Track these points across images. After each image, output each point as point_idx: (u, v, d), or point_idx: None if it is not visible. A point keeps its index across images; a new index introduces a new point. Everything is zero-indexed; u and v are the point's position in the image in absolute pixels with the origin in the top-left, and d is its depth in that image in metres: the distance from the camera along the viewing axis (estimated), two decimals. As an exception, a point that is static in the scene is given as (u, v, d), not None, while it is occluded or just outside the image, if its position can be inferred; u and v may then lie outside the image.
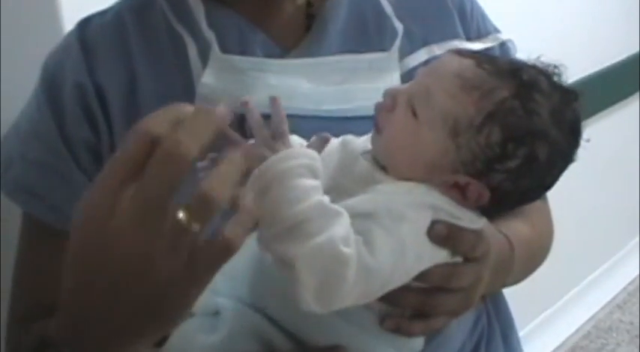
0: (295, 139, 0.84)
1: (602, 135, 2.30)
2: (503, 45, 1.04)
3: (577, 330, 2.93)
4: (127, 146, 0.57)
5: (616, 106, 2.83)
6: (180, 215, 0.56)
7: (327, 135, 0.80)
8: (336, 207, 0.71)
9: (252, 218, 0.60)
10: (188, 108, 0.59)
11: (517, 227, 0.95)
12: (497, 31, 1.05)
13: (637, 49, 2.90)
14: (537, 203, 0.94)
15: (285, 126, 0.82)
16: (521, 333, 1.09)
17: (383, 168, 0.78)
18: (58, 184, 0.95)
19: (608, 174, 2.53)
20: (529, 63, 0.79)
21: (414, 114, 0.76)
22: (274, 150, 0.74)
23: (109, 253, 0.57)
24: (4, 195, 0.97)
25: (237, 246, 0.58)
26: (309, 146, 0.78)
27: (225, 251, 0.58)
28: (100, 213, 0.57)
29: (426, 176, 0.75)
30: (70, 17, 1.12)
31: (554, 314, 2.88)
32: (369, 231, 0.72)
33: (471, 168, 0.74)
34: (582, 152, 0.78)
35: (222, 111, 0.60)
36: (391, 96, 0.78)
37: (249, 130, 0.85)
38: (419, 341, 0.82)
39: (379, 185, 0.76)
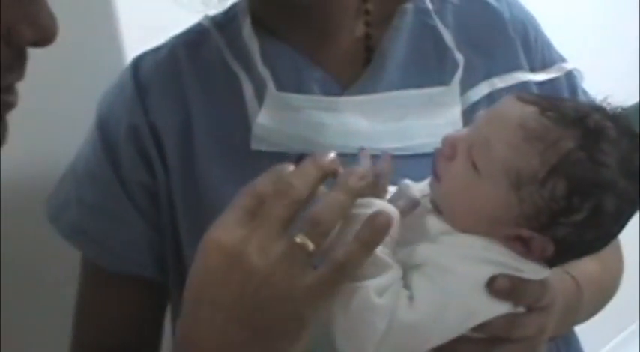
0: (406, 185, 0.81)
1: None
2: (569, 74, 1.00)
3: None
4: (238, 199, 0.67)
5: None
6: (297, 238, 0.64)
7: (418, 199, 0.77)
8: (387, 259, 0.70)
9: (364, 246, 0.65)
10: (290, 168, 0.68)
11: (585, 265, 0.91)
12: (562, 59, 1.01)
13: (637, 99, 2.82)
14: None
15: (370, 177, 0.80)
16: None
17: (439, 213, 0.76)
18: (114, 227, 0.95)
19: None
20: (595, 106, 0.75)
21: (475, 165, 0.73)
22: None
23: (233, 279, 0.63)
24: (62, 238, 0.98)
25: (349, 269, 0.65)
26: (398, 205, 0.75)
27: (338, 273, 0.64)
28: (221, 244, 0.65)
29: (487, 229, 0.72)
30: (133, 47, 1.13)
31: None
32: (414, 282, 0.71)
33: (534, 221, 0.71)
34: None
35: (330, 160, 0.68)
36: (450, 144, 0.75)
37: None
38: None
39: (437, 236, 0.73)
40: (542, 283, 0.75)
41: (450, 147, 0.74)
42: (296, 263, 0.63)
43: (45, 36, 0.64)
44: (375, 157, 0.82)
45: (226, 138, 0.92)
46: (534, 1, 1.08)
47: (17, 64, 0.64)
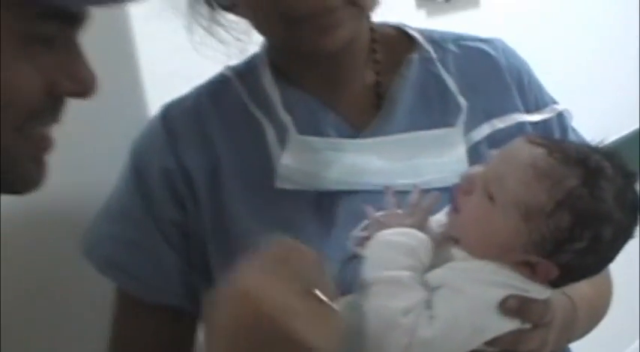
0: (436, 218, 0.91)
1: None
2: (560, 115, 1.09)
3: None
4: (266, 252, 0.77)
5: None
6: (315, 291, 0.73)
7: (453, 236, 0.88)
8: (413, 283, 0.80)
9: None
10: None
11: (579, 287, 1.00)
12: (554, 101, 1.11)
13: (637, 126, 2.94)
14: None
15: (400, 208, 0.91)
16: None
17: (456, 242, 0.85)
18: (148, 261, 1.03)
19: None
20: (594, 147, 0.85)
21: (491, 198, 0.82)
22: (396, 225, 0.85)
23: (257, 325, 0.72)
24: (97, 271, 1.06)
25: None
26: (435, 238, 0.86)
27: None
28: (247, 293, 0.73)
29: (499, 255, 0.82)
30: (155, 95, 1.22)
31: None
32: (433, 303, 0.80)
33: (540, 248, 0.81)
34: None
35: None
36: (468, 180, 0.85)
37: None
38: None
39: (453, 262, 0.83)
40: (545, 302, 0.85)
41: (468, 183, 0.84)
42: (316, 313, 0.73)
43: (85, 90, 0.73)
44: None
45: (251, 178, 1.01)
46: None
47: (56, 112, 0.73)
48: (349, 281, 0.90)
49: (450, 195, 0.90)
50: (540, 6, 2.24)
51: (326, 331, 0.73)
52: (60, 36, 0.71)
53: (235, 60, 1.09)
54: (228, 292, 0.74)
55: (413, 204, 0.89)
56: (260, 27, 0.98)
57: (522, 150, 0.84)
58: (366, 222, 0.89)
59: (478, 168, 0.87)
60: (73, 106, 0.87)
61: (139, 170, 1.04)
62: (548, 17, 2.23)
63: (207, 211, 1.01)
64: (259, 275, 0.74)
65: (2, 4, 0.64)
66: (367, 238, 0.87)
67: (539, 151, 0.83)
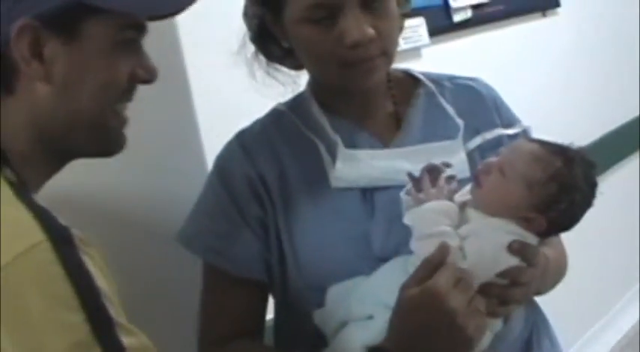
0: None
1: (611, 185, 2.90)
2: (525, 130, 1.48)
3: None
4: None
5: (620, 164, 3.41)
6: None
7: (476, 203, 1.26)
8: (453, 233, 1.19)
9: None
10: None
11: (547, 251, 1.37)
12: (519, 120, 1.51)
13: (637, 113, 3.55)
14: (556, 238, 1.42)
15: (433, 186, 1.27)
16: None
17: (475, 207, 1.24)
18: (237, 246, 1.36)
19: (608, 223, 2.96)
20: (567, 145, 1.25)
21: (504, 176, 1.21)
22: (434, 198, 1.23)
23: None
24: (197, 256, 1.40)
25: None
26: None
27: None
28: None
29: (507, 213, 1.21)
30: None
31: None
32: (465, 246, 1.18)
33: (536, 208, 1.20)
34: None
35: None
36: (488, 164, 1.24)
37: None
38: (499, 323, 1.26)
39: (474, 220, 1.22)
40: (536, 247, 1.23)
41: (488, 166, 1.24)
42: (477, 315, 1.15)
43: (152, 78, 1.07)
44: None
45: (311, 182, 1.36)
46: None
47: (131, 95, 1.06)
48: (393, 249, 1.28)
49: (463, 183, 1.29)
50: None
51: (479, 329, 1.14)
52: (135, 40, 1.05)
53: (284, 98, 1.47)
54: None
55: (441, 186, 1.27)
56: (317, 71, 1.36)
57: (524, 144, 1.26)
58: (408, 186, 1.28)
59: (493, 158, 1.26)
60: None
61: (225, 179, 1.38)
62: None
63: (280, 208, 1.36)
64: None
65: (107, 21, 0.98)
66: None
67: (535, 145, 1.24)
